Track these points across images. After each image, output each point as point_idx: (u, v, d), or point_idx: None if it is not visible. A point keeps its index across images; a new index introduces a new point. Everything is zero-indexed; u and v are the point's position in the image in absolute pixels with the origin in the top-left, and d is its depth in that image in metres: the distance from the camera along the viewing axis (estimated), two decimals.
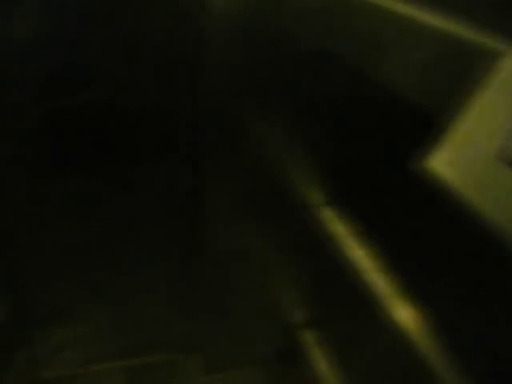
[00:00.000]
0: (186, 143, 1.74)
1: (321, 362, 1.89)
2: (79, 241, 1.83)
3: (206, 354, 2.06)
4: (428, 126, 0.94)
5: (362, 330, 1.55)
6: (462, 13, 0.93)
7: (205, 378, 2.05)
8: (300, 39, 1.54)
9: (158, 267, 1.93)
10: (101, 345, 2.05)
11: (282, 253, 1.92)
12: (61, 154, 1.66)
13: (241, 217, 1.82)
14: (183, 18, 1.55)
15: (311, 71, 1.58)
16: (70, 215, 1.76)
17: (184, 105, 1.68)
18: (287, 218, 1.82)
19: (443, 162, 0.90)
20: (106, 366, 2.05)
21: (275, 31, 1.52)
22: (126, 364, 2.07)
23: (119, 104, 1.64)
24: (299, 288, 1.99)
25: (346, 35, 1.33)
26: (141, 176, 1.76)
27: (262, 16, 1.49)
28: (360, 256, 1.47)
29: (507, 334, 0.91)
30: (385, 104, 1.25)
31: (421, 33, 1.01)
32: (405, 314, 1.23)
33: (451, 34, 0.93)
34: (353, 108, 1.47)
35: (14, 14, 1.43)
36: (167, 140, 1.75)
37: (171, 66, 1.63)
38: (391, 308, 1.28)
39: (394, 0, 1.09)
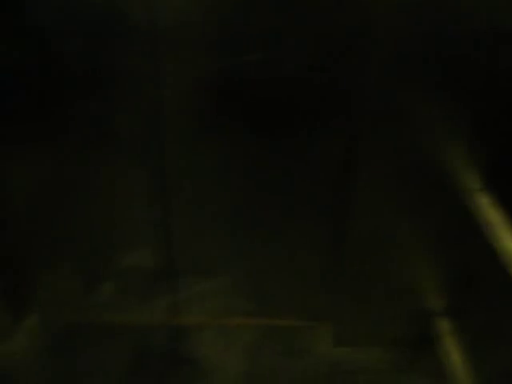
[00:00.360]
0: (343, 117, 1.74)
1: (453, 352, 1.83)
2: (229, 198, 1.91)
3: (336, 326, 2.06)
4: None
5: (506, 324, 1.48)
6: None
7: (332, 349, 2.06)
8: (467, 18, 1.48)
9: (302, 236, 1.96)
10: (235, 300, 2.13)
11: (429, 237, 1.87)
12: (226, 110, 1.75)
13: (391, 197, 1.79)
14: None
15: (479, 54, 1.51)
16: (224, 172, 1.85)
17: (346, 79, 1.67)
18: (438, 202, 1.77)
19: None
20: (236, 322, 2.14)
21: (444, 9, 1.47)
22: (255, 323, 2.14)
23: (285, 69, 1.68)
24: (441, 274, 1.93)
25: None
26: (295, 144, 1.79)
27: None
28: None
29: None
30: None
31: None
32: None
33: None
34: None
35: None
36: (326, 111, 1.76)
37: (338, 38, 1.63)
38: None
39: None
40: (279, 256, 2.02)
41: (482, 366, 1.70)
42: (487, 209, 1.61)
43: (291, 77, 1.67)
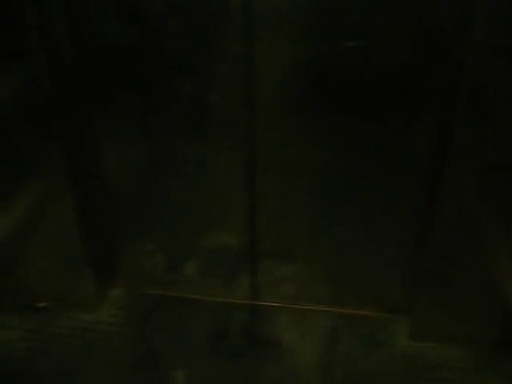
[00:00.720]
0: (436, 108, 1.71)
1: None
2: (316, 186, 1.92)
3: (415, 320, 2.04)
4: None
5: None
6: None
7: (408, 342, 2.04)
8: None
9: (387, 226, 1.95)
10: (314, 287, 2.15)
11: None
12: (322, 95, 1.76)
13: (480, 190, 1.74)
14: None
15: None
16: (312, 159, 1.86)
17: (440, 71, 1.64)
18: None
19: None
20: (316, 308, 2.16)
21: None
22: (334, 310, 2.15)
23: (377, 57, 1.67)
24: None
25: None
26: (387, 131, 1.78)
27: None
28: None
29: None
30: None
31: None
32: None
33: None
34: None
35: None
36: (418, 101, 1.73)
37: (437, 27, 1.60)
38: None
39: None
40: (362, 246, 2.02)
41: None
42: None
43: (389, 65, 1.66)
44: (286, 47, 1.70)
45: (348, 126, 1.80)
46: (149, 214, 2.09)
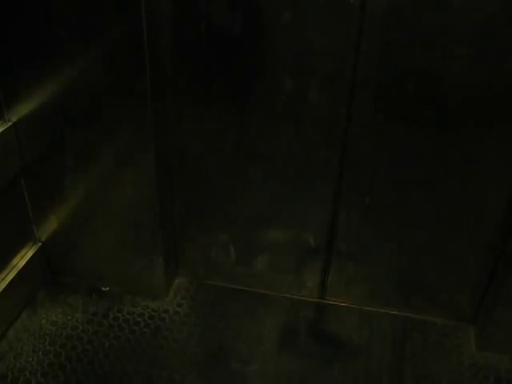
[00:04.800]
0: None
1: None
2: (396, 191, 1.90)
3: (483, 330, 2.03)
4: None
5: None
6: None
7: (475, 352, 2.03)
8: None
9: (462, 233, 1.93)
10: (386, 290, 2.15)
11: None
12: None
13: None
14: None
15: None
16: (400, 165, 1.84)
17: None
18: None
19: None
20: (384, 310, 2.15)
21: None
22: (399, 314, 2.15)
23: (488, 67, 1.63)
24: None
25: None
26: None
27: None
28: None
29: None
30: None
31: None
32: None
33: None
34: None
35: None
36: None
37: None
38: None
39: None
40: (435, 251, 2.01)
41: None
42: None
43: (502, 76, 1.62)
44: (394, 50, 1.65)
45: (441, 136, 1.77)
46: (224, 205, 2.07)
